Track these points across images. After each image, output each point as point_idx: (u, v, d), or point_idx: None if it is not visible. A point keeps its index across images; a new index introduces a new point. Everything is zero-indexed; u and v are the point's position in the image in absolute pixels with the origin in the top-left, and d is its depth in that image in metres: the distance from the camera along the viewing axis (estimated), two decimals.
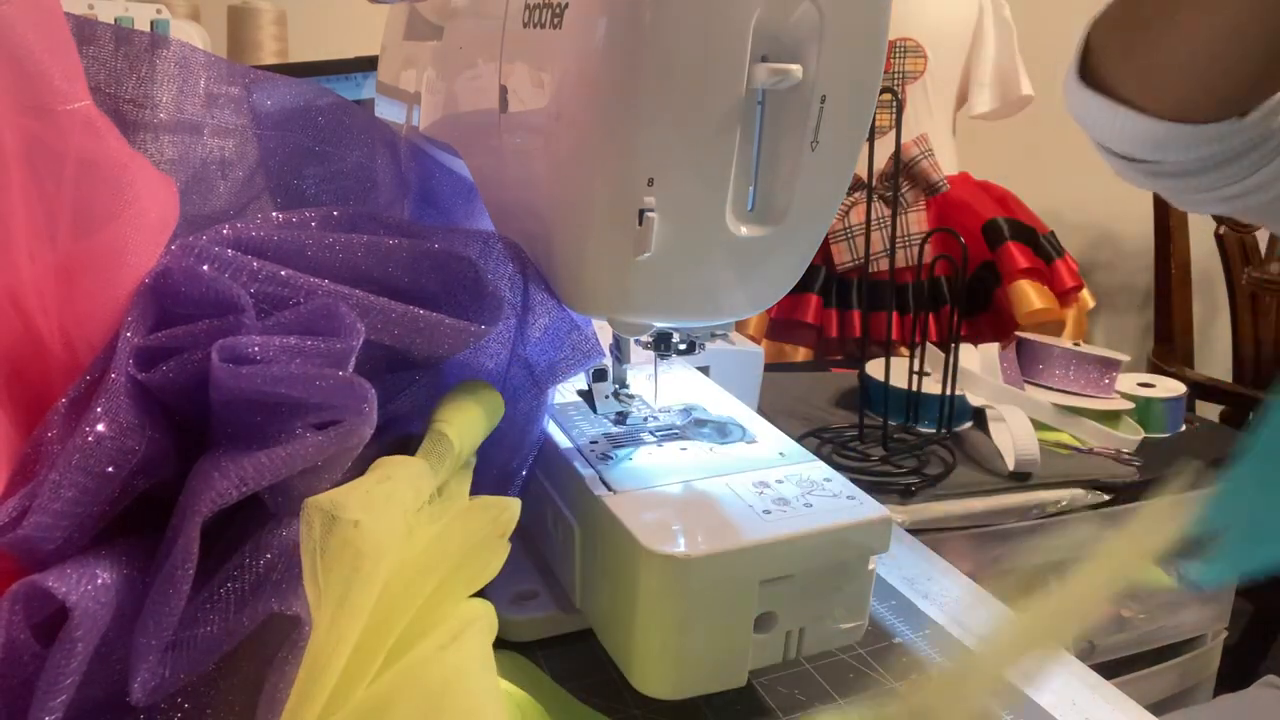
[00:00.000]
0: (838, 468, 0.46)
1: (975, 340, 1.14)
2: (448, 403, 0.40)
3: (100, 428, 0.30)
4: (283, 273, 0.35)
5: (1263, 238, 1.88)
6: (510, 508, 0.37)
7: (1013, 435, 0.95)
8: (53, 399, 0.32)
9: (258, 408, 0.32)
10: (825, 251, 1.59)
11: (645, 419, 0.50)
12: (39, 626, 0.28)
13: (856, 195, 1.56)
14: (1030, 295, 1.53)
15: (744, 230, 0.39)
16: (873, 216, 1.47)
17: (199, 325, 0.33)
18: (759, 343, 1.32)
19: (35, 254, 0.32)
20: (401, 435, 0.41)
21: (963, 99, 1.69)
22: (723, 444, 0.48)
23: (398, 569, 0.32)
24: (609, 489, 0.43)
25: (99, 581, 0.28)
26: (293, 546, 0.30)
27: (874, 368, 1.02)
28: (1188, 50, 0.50)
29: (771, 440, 0.49)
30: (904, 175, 1.58)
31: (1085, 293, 1.59)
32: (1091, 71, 0.56)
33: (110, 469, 0.30)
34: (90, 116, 0.33)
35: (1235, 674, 1.14)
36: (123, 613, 0.29)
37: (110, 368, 0.32)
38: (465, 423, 0.39)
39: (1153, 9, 0.52)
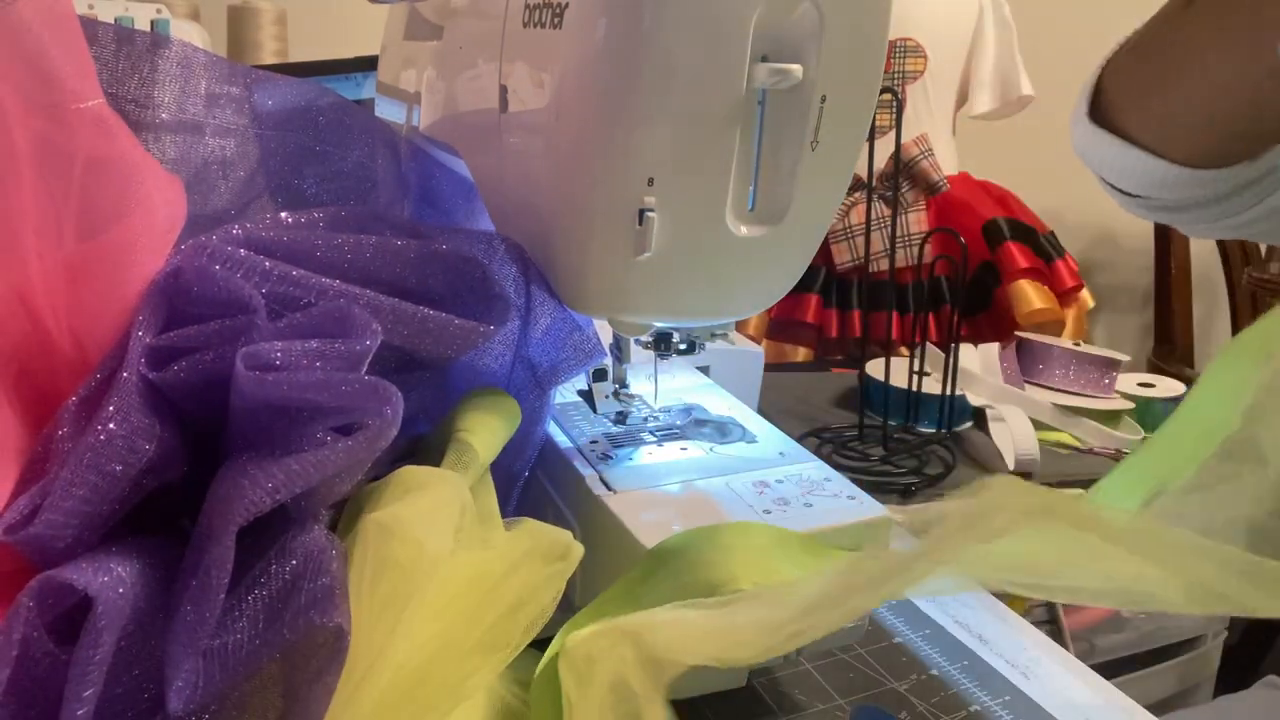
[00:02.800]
0: (838, 468, 0.46)
1: (975, 340, 1.14)
2: (467, 411, 0.40)
3: (112, 426, 0.30)
4: (294, 273, 0.35)
5: None
6: (570, 552, 0.36)
7: (1013, 435, 0.95)
8: (61, 398, 0.32)
9: (279, 412, 0.32)
10: (825, 251, 1.59)
11: (645, 419, 0.50)
12: (51, 626, 0.28)
13: (856, 195, 1.56)
14: (1030, 295, 1.53)
15: (744, 230, 0.39)
16: (873, 216, 1.47)
17: (210, 326, 0.33)
18: (759, 343, 1.32)
19: (44, 253, 0.32)
20: (410, 436, 0.41)
21: (963, 99, 1.69)
22: (723, 444, 0.48)
23: (439, 588, 0.32)
24: (609, 489, 0.43)
25: (115, 574, 0.29)
26: (318, 552, 0.30)
27: (874, 368, 1.02)
28: (1203, 105, 0.51)
29: (771, 440, 0.49)
30: (904, 175, 1.58)
31: (1085, 293, 1.59)
32: (1103, 112, 0.56)
33: (120, 468, 0.30)
34: (102, 115, 0.33)
35: (1235, 674, 1.14)
36: (139, 608, 0.29)
37: (122, 367, 0.32)
38: (487, 431, 0.39)
39: (1165, 63, 0.53)
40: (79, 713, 0.26)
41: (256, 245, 0.35)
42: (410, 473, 0.35)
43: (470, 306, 0.40)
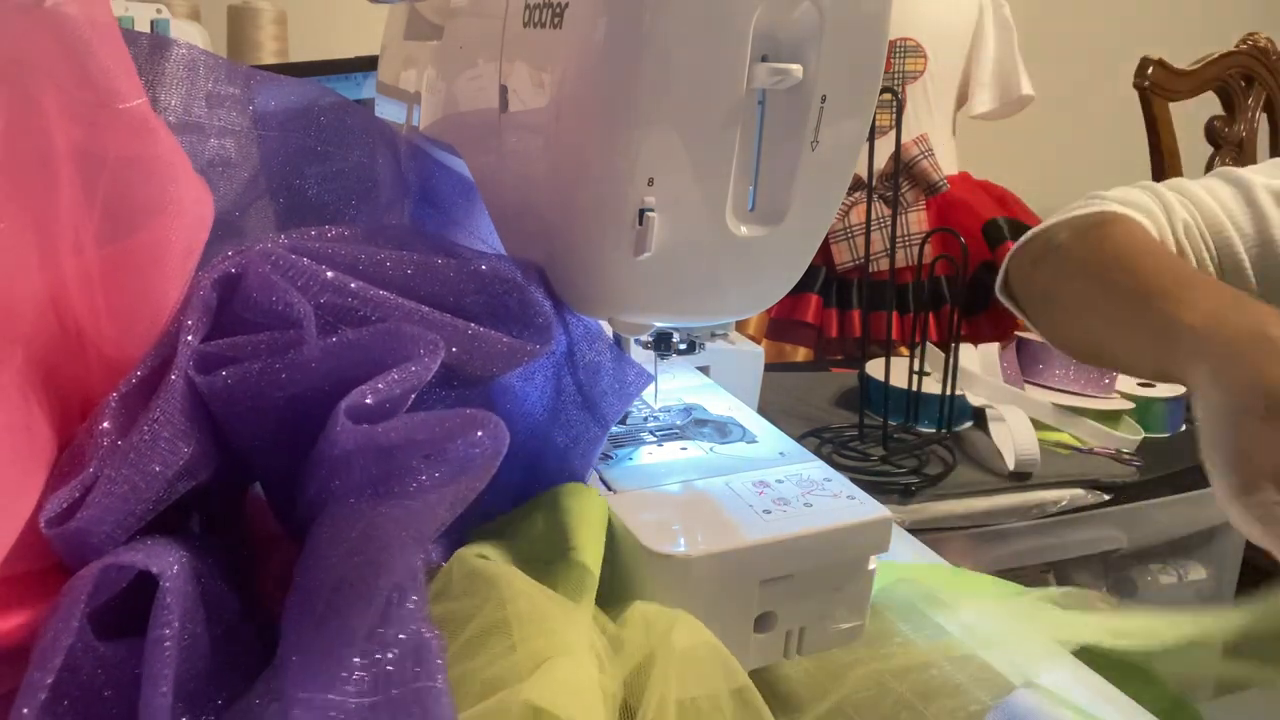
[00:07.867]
0: (838, 468, 0.46)
1: (975, 340, 1.14)
2: (570, 522, 0.39)
3: (157, 426, 0.31)
4: (353, 284, 0.35)
5: None
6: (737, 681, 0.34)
7: (1013, 435, 0.95)
8: (92, 398, 0.32)
9: (380, 453, 0.31)
10: (825, 251, 1.59)
11: (645, 419, 0.50)
12: (93, 616, 0.28)
13: (856, 195, 1.56)
14: None
15: (744, 230, 0.39)
16: (873, 216, 1.46)
17: (260, 337, 0.33)
18: (759, 343, 1.32)
19: (80, 249, 0.32)
20: None
21: (963, 99, 1.69)
22: (723, 444, 0.48)
23: None
24: (609, 489, 0.43)
25: (165, 559, 0.29)
26: (420, 646, 0.28)
27: (874, 368, 1.02)
28: (1093, 347, 0.69)
29: (771, 440, 0.49)
30: (904, 175, 1.58)
31: None
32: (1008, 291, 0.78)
33: (159, 468, 0.31)
34: (145, 114, 0.33)
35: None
36: (185, 591, 0.29)
37: (168, 368, 0.32)
38: (594, 544, 0.39)
39: (1067, 313, 0.71)
40: (162, 690, 0.26)
41: (302, 255, 0.35)
42: (540, 614, 0.33)
43: (505, 328, 0.40)
